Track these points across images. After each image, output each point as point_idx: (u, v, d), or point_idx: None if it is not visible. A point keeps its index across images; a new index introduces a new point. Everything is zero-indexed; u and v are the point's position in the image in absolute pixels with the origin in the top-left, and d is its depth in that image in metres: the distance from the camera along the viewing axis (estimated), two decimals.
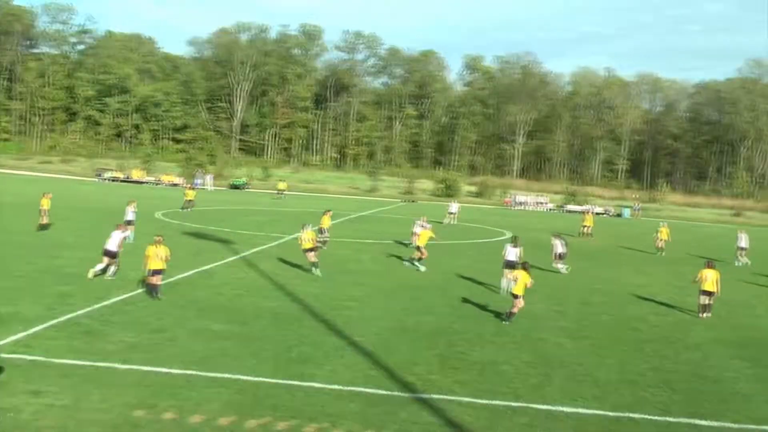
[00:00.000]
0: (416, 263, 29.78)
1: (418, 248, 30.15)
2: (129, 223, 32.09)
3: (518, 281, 20.61)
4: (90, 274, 22.62)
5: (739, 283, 32.38)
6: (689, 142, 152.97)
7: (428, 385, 14.34)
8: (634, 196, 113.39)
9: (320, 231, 33.94)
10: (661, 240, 43.21)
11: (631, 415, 13.46)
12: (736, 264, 38.94)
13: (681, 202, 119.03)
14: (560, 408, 13.49)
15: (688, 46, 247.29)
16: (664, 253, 42.35)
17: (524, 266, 21.21)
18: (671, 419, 13.41)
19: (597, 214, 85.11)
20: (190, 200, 50.62)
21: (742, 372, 17.09)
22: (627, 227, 66.41)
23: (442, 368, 15.49)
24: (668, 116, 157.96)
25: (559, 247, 31.27)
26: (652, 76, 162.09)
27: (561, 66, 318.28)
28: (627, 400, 14.27)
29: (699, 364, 17.55)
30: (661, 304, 25.51)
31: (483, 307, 22.27)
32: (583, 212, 70.13)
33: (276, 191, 74.95)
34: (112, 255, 23.22)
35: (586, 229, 49.67)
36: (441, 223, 41.14)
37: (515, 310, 20.46)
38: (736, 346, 19.70)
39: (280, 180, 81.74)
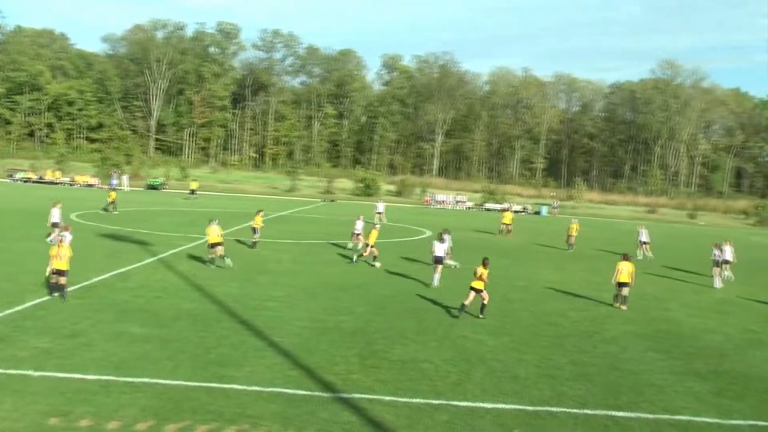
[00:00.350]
0: (373, 262, 30.52)
1: (366, 245, 31.37)
2: (55, 225, 31.51)
3: (481, 276, 21.43)
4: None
5: (651, 277, 33.21)
6: (605, 141, 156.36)
7: (349, 384, 14.31)
8: (552, 194, 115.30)
9: (253, 230, 35.13)
10: (571, 236, 44.46)
11: (551, 409, 13.67)
12: (638, 257, 39.92)
13: (598, 199, 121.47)
14: (481, 404, 13.61)
15: (602, 47, 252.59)
16: (573, 249, 43.60)
17: (484, 263, 21.71)
18: (589, 411, 13.66)
19: (515, 212, 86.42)
20: (112, 201, 49.54)
21: (656, 364, 17.54)
22: (545, 225, 67.43)
23: (362, 367, 15.48)
24: (584, 116, 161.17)
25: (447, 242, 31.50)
26: (568, 77, 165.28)
27: (479, 66, 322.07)
28: (546, 395, 14.48)
29: (616, 357, 17.94)
30: (579, 299, 26.03)
31: (404, 306, 22.34)
32: (502, 210, 71.06)
33: (189, 191, 73.78)
34: None
35: (505, 227, 50.23)
36: (373, 224, 41.24)
37: (485, 301, 21.37)
38: (650, 339, 20.21)
39: (193, 180, 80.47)
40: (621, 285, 24.74)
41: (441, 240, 27.80)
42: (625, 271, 24.68)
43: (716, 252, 33.60)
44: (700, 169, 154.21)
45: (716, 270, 33.04)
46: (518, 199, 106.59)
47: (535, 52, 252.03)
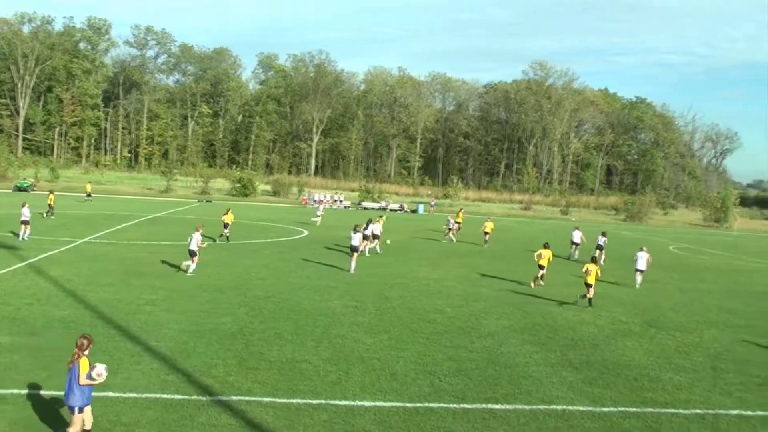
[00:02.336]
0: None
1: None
2: None
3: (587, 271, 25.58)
4: None
5: (528, 272, 34.00)
6: (480, 140, 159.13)
7: (227, 386, 14.12)
8: (429, 192, 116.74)
9: (224, 226, 38.94)
10: (486, 233, 47.52)
11: (429, 404, 13.82)
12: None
13: (474, 197, 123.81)
14: (360, 402, 13.64)
15: (476, 48, 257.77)
16: (487, 245, 46.16)
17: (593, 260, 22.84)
18: (467, 406, 13.89)
19: (393, 210, 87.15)
20: None
21: (532, 357, 17.98)
22: (422, 223, 68.23)
23: (240, 369, 15.30)
24: (459, 115, 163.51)
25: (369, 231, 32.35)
26: (443, 76, 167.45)
27: (355, 65, 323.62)
28: (425, 391, 14.63)
29: (493, 351, 18.30)
30: (457, 295, 26.45)
31: (281, 307, 22.19)
32: (380, 209, 71.52)
33: (85, 194, 70.78)
34: None
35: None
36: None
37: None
38: (526, 333, 20.71)
39: (88, 182, 77.30)
40: (588, 286, 26.00)
41: (356, 231, 31.13)
42: (591, 272, 25.94)
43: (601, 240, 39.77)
44: (572, 167, 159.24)
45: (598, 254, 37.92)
46: (395, 197, 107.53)
47: (410, 51, 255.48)
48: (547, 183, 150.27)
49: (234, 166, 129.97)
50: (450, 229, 49.26)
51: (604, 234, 44.23)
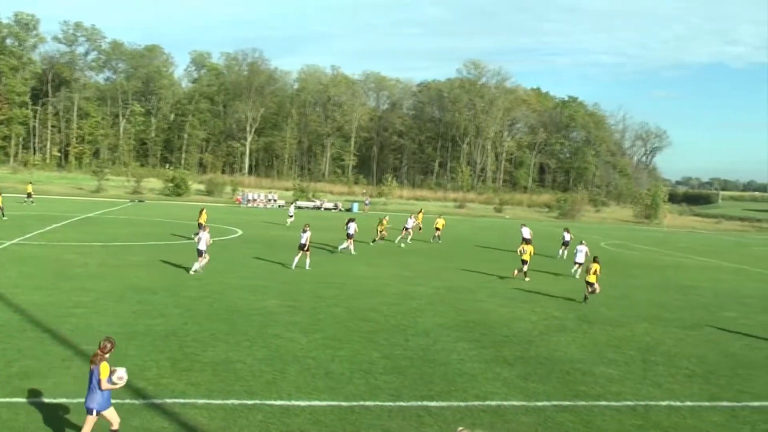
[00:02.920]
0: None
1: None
2: None
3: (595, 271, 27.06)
4: None
5: (463, 269, 34.26)
6: (414, 139, 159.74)
7: (160, 389, 13.91)
8: (363, 191, 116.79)
9: (199, 226, 36.18)
10: (438, 229, 49.90)
11: (365, 403, 13.81)
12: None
13: (408, 196, 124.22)
14: (295, 402, 13.57)
15: (410, 47, 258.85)
16: (440, 241, 47.91)
17: (595, 259, 24.58)
18: (403, 403, 13.91)
19: (327, 209, 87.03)
20: None
21: (466, 353, 18.10)
22: (358, 221, 68.05)
23: (174, 371, 15.09)
24: (394, 114, 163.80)
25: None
26: (377, 75, 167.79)
27: (289, 64, 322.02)
28: (361, 389, 14.62)
29: (428, 349, 18.37)
30: (392, 294, 26.50)
31: (215, 307, 21.96)
32: (314, 208, 71.30)
33: (26, 194, 68.75)
34: None
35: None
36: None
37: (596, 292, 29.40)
38: (461, 330, 20.85)
39: (30, 183, 74.98)
40: (587, 283, 27.36)
41: (304, 230, 32.05)
42: (591, 270, 27.34)
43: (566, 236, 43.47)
44: (505, 165, 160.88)
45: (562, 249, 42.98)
46: (330, 196, 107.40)
47: (344, 50, 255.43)
48: (481, 181, 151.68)
49: (167, 166, 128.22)
50: (406, 229, 47.92)
51: (567, 230, 46.38)
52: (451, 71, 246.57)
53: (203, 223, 39.00)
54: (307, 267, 31.58)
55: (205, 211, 43.23)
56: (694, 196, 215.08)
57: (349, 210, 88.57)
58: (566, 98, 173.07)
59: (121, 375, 10.92)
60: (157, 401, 13.21)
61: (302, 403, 13.52)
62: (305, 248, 31.88)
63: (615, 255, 50.15)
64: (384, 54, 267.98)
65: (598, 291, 27.39)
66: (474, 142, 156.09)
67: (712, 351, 20.53)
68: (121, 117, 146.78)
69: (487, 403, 14.27)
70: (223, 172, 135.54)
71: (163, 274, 28.02)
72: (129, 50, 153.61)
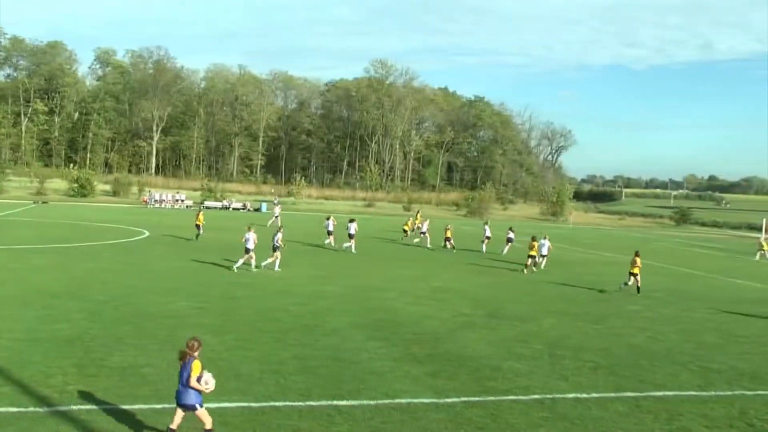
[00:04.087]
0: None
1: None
2: None
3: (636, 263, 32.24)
4: None
5: (372, 268, 34.38)
6: (322, 138, 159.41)
7: (66, 396, 13.54)
8: (271, 190, 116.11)
9: (197, 227, 43.80)
10: (416, 224, 53.10)
11: (275, 403, 13.72)
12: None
13: (317, 195, 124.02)
14: (205, 405, 13.36)
15: (318, 46, 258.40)
16: (455, 250, 47.55)
17: (637, 253, 29.19)
18: (313, 403, 13.87)
19: (236, 209, 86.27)
20: None
21: (376, 352, 18.16)
22: (266, 221, 67.69)
23: (80, 377, 14.72)
24: (302, 113, 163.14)
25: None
26: (284, 74, 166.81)
27: (195, 62, 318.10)
28: (271, 390, 14.52)
29: (337, 348, 18.37)
30: (302, 293, 26.43)
31: (121, 311, 21.52)
32: (222, 208, 70.59)
33: None
34: None
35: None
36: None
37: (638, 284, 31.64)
38: (371, 328, 20.90)
39: None
40: (631, 274, 31.88)
41: (277, 232, 33.53)
42: (638, 263, 31.66)
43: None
44: (414, 164, 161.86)
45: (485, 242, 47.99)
46: (238, 196, 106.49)
47: (251, 49, 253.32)
48: (390, 180, 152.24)
49: (71, 166, 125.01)
50: (422, 233, 50.78)
51: (511, 229, 50.13)
52: (359, 71, 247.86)
53: (200, 224, 44.84)
54: (234, 267, 31.98)
55: (202, 213, 47.91)
56: (598, 194, 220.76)
57: (257, 210, 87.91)
58: (473, 98, 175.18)
59: (208, 380, 11.26)
60: (63, 408, 12.86)
61: (212, 405, 13.30)
62: (248, 252, 32.24)
63: (523, 252, 50.92)
64: (292, 53, 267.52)
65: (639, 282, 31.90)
66: (382, 141, 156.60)
67: (617, 344, 21.07)
68: (23, 116, 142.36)
69: (397, 401, 14.33)
70: (130, 172, 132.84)
71: (68, 277, 27.35)
72: (30, 46, 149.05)
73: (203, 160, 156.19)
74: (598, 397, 15.48)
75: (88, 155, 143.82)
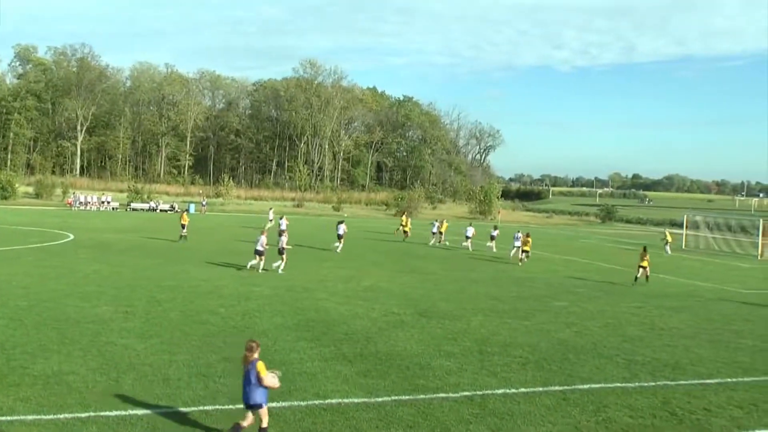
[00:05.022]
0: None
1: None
2: None
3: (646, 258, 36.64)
4: None
5: (301, 269, 34.20)
6: (251, 138, 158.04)
7: None
8: (200, 191, 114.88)
9: (182, 227, 46.12)
10: (442, 233, 54.82)
11: (204, 408, 13.55)
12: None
13: (246, 196, 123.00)
14: (132, 412, 13.13)
15: (246, 45, 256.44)
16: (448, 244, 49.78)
17: (645, 248, 34.35)
18: (241, 406, 13.69)
19: (163, 210, 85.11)
20: None
21: (306, 353, 18.08)
22: (194, 222, 66.90)
23: (1, 386, 14.27)
24: (230, 113, 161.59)
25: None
26: (212, 74, 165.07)
27: (121, 60, 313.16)
28: (199, 394, 14.33)
29: (267, 349, 18.13)
30: (230, 295, 26.18)
31: (44, 317, 20.99)
32: (149, 210, 69.56)
33: None
34: None
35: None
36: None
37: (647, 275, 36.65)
38: (301, 329, 20.81)
39: None
40: (642, 267, 36.38)
41: (261, 233, 35.44)
42: (647, 257, 36.39)
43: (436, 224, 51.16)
44: (343, 164, 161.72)
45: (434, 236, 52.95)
46: (166, 197, 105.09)
47: (178, 48, 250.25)
48: (319, 180, 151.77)
49: None
50: (433, 233, 55.52)
51: (471, 225, 55.83)
52: (288, 70, 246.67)
53: (185, 224, 46.91)
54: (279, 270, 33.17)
55: (186, 213, 50.74)
56: (526, 193, 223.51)
57: (186, 211, 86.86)
58: (402, 98, 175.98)
59: (275, 377, 12.10)
60: None
61: (139, 412, 13.12)
62: (261, 253, 33.25)
63: (451, 250, 51.32)
64: (219, 52, 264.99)
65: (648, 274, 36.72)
66: (311, 141, 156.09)
67: (544, 339, 21.37)
68: None
69: (328, 401, 14.28)
70: (53, 173, 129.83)
71: None
72: None
73: (129, 161, 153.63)
74: (526, 392, 15.67)
75: (9, 156, 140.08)
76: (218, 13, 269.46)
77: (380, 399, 14.65)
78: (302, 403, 14.08)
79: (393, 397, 14.77)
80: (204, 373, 15.73)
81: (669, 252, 59.78)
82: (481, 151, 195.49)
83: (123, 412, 13.08)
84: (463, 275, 36.49)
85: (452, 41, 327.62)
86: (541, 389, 15.98)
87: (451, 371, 17.05)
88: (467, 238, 51.88)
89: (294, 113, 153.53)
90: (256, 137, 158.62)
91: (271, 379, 12.00)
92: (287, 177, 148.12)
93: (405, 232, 57.34)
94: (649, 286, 35.94)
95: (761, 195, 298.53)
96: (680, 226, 77.52)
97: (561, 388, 16.16)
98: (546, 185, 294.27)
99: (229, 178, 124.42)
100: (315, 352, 18.24)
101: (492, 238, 51.71)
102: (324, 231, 59.46)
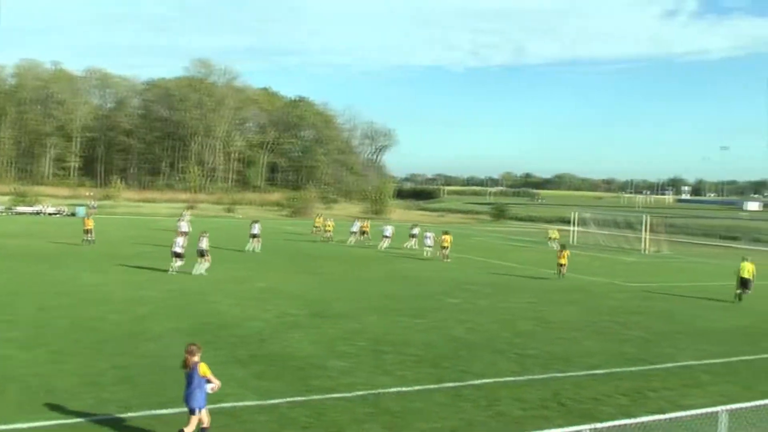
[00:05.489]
0: None
1: None
2: None
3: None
4: None
5: (193, 272, 33.72)
6: (142, 139, 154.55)
7: None
8: (89, 194, 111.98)
9: (86, 232, 46.19)
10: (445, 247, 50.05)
11: (94, 417, 13.16)
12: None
13: (136, 198, 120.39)
14: (16, 425, 12.61)
15: (136, 44, 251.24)
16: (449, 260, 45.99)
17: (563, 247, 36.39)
18: (133, 414, 13.42)
19: (50, 214, 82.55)
20: None
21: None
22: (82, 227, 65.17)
23: None
24: (120, 112, 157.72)
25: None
26: (101, 72, 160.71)
27: (3, 57, 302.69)
28: (89, 403, 13.93)
29: (159, 355, 17.90)
30: (121, 300, 25.60)
31: None
32: (35, 213, 67.49)
33: None
34: None
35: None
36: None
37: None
38: (194, 333, 20.41)
39: None
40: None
41: (204, 234, 34.79)
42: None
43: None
44: (236, 165, 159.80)
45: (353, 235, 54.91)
46: (53, 200, 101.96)
47: (64, 45, 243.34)
48: (212, 181, 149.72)
49: None
50: (353, 233, 57.44)
51: (415, 226, 58.50)
52: (179, 69, 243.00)
53: (90, 229, 46.54)
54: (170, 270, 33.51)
55: (92, 216, 50.57)
56: (420, 192, 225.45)
57: (73, 215, 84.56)
58: (295, 98, 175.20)
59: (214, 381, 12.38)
60: None
61: (24, 426, 12.66)
62: (203, 254, 34.20)
63: (346, 250, 51.44)
64: (109, 50, 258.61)
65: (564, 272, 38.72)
66: (204, 142, 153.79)
67: (438, 336, 21.64)
68: None
69: (221, 405, 14.09)
70: None
71: None
72: None
73: (13, 163, 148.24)
74: (420, 390, 15.85)
75: None
76: (102, 9, 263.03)
77: (274, 401, 14.57)
78: (216, 406, 13.84)
79: (287, 399, 14.71)
80: (94, 382, 15.32)
81: (554, 247, 61.48)
82: (375, 150, 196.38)
83: (6, 426, 12.61)
84: (356, 275, 36.62)
85: (345, 42, 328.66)
86: (434, 386, 16.17)
87: (345, 371, 17.09)
88: (385, 237, 53.69)
89: (186, 113, 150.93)
90: (147, 137, 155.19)
91: (215, 379, 12.38)
92: (179, 178, 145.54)
93: (327, 232, 59.40)
94: (540, 281, 36.84)
95: (647, 192, 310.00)
96: (570, 223, 79.57)
97: (454, 384, 16.40)
98: (439, 184, 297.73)
99: (120, 180, 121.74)
100: (208, 355, 17.86)
101: (412, 236, 55.45)
102: (215, 233, 58.67)
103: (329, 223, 60.74)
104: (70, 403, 13.90)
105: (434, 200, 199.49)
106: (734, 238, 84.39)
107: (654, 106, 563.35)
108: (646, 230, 67.57)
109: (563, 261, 39.06)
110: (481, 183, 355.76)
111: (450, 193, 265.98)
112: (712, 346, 22.16)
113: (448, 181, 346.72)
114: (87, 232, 46.65)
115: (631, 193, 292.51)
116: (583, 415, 14.49)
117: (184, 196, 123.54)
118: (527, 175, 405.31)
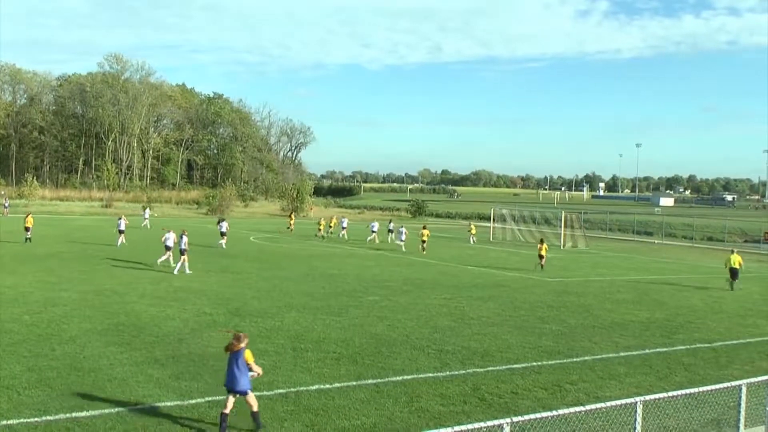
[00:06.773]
0: None
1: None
2: None
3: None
4: None
5: (111, 271, 33.25)
6: (56, 136, 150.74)
7: None
8: (1, 192, 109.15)
9: (26, 229, 47.27)
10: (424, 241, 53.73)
11: (8, 422, 12.92)
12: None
13: (51, 196, 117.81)
14: None
15: (47, 38, 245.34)
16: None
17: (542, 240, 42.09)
18: (50, 418, 13.22)
19: None
20: None
21: (116, 357, 17.66)
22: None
23: None
24: (33, 109, 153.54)
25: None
26: (11, 67, 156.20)
27: None
28: (2, 408, 13.66)
29: (75, 356, 17.66)
30: (35, 302, 25.14)
31: None
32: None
33: None
34: None
35: None
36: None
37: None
38: (111, 334, 20.28)
39: None
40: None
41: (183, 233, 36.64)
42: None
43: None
44: (153, 163, 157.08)
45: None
46: None
47: None
48: (128, 179, 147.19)
49: None
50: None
51: (391, 222, 65.77)
52: (93, 65, 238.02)
53: (30, 227, 47.48)
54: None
55: (31, 215, 49.64)
56: (338, 189, 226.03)
57: (30, 214, 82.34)
58: (212, 95, 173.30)
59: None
60: None
61: None
62: (183, 252, 35.09)
63: (264, 248, 51.40)
64: (19, 45, 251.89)
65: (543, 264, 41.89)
66: (119, 139, 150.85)
67: (358, 333, 21.81)
68: None
69: (140, 406, 14.02)
70: None
71: None
72: None
73: None
74: (340, 387, 15.98)
75: None
76: (16, 3, 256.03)
77: (194, 401, 14.54)
78: (113, 411, 13.72)
79: (207, 399, 14.70)
80: (7, 385, 15.04)
81: (473, 243, 62.54)
82: (293, 148, 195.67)
83: None
84: (274, 273, 36.56)
85: (260, 39, 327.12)
86: (355, 383, 16.33)
87: (265, 369, 17.02)
88: (372, 232, 61.18)
89: (101, 110, 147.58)
90: (62, 135, 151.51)
91: (256, 366, 13.35)
92: (95, 176, 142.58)
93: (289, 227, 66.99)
94: (459, 277, 37.32)
95: (563, 188, 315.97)
96: (488, 219, 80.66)
97: (374, 381, 16.58)
98: (357, 181, 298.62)
99: (33, 178, 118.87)
100: (126, 356, 17.84)
101: (389, 231, 62.31)
102: (132, 232, 57.86)
103: (333, 221, 69.25)
104: None
105: (353, 197, 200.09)
106: (648, 233, 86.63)
107: (569, 104, 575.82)
108: (563, 226, 68.91)
109: (543, 253, 42.32)
110: (399, 180, 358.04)
111: (368, 190, 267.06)
112: (627, 339, 22.80)
113: (366, 177, 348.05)
114: (27, 230, 48.03)
115: (547, 189, 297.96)
116: (503, 409, 14.82)
117: (100, 194, 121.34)
118: (444, 172, 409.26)
